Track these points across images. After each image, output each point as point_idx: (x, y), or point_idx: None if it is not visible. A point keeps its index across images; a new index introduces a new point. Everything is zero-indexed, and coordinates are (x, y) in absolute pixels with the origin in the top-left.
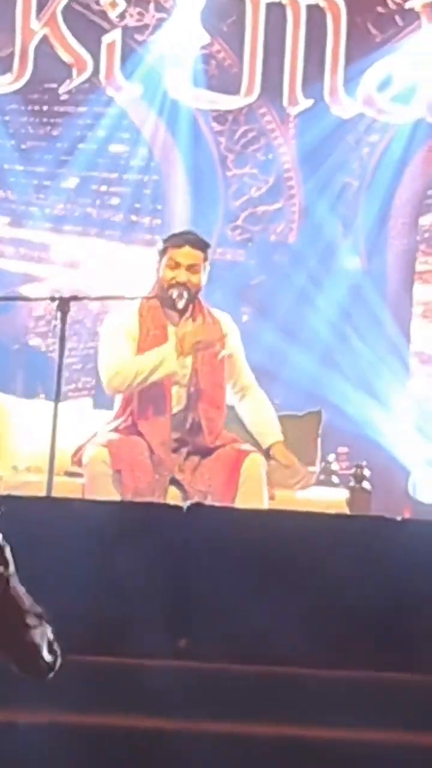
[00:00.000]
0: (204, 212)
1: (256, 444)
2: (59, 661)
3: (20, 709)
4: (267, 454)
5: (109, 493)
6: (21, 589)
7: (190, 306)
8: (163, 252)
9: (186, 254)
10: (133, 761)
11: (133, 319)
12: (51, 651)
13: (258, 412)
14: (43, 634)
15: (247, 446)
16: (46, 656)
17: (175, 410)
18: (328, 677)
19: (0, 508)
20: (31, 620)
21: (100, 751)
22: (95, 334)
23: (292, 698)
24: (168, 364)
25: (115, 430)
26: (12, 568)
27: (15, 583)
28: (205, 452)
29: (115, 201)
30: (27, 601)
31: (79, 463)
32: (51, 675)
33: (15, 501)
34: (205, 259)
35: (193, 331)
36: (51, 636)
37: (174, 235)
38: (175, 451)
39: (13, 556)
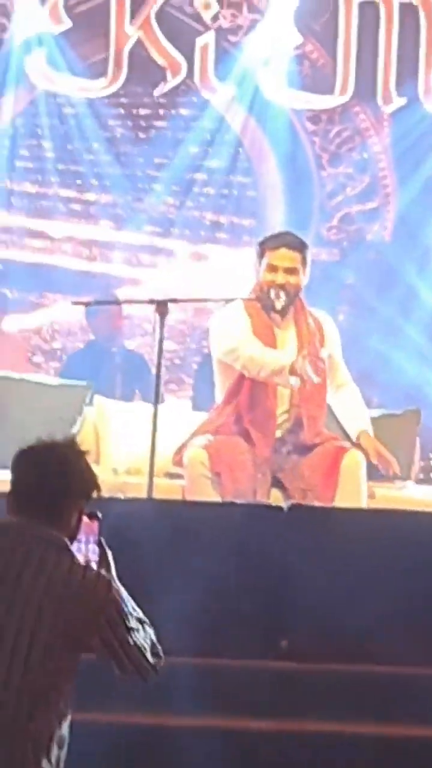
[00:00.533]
0: (299, 212)
1: (349, 439)
2: (162, 663)
3: (120, 711)
4: (357, 444)
5: (208, 494)
6: (123, 592)
7: (291, 308)
8: (260, 254)
9: (283, 256)
10: (241, 761)
11: (245, 317)
12: (154, 653)
13: (348, 404)
14: (146, 637)
15: (346, 443)
16: (150, 658)
17: (279, 409)
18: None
19: (99, 513)
20: (133, 623)
21: (208, 752)
22: (193, 336)
23: (396, 697)
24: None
25: (217, 429)
26: (114, 571)
27: (117, 585)
28: (305, 450)
29: (211, 202)
30: (129, 603)
31: (179, 463)
32: (154, 678)
33: (116, 503)
34: (304, 260)
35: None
36: (154, 638)
37: (271, 237)
38: (276, 450)
39: (115, 559)
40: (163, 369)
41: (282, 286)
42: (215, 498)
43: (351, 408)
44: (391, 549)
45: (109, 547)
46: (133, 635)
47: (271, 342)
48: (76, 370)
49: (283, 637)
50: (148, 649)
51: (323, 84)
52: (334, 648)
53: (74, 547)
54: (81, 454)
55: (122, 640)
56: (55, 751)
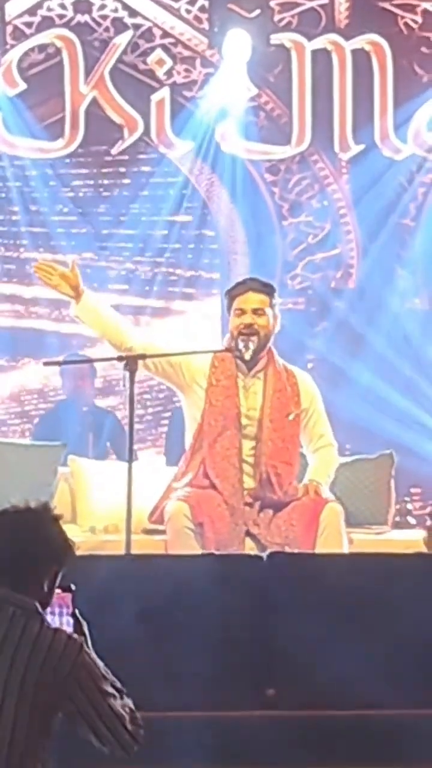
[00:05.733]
0: (262, 263)
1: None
2: (142, 733)
3: None
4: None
5: (191, 547)
6: (100, 664)
7: (261, 357)
8: (230, 304)
9: (248, 299)
10: None
11: (203, 371)
12: (133, 722)
13: (317, 468)
14: (124, 705)
15: (324, 495)
16: (129, 726)
17: (245, 462)
18: (418, 717)
19: (73, 586)
20: (107, 687)
21: None
22: (163, 391)
23: (383, 741)
24: None
25: (190, 483)
26: (89, 642)
27: (89, 650)
28: (279, 506)
29: (173, 257)
30: (104, 669)
31: (158, 521)
32: (135, 749)
33: (96, 561)
34: (273, 305)
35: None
36: (132, 706)
37: (237, 284)
38: (248, 504)
39: (97, 616)
40: (135, 425)
41: (250, 326)
42: (198, 550)
43: (317, 472)
44: (373, 592)
45: (91, 605)
46: (108, 701)
47: (232, 391)
48: (48, 431)
49: (269, 685)
50: (126, 717)
51: (280, 134)
52: (321, 694)
53: (48, 619)
54: (54, 519)
55: (96, 705)
56: None
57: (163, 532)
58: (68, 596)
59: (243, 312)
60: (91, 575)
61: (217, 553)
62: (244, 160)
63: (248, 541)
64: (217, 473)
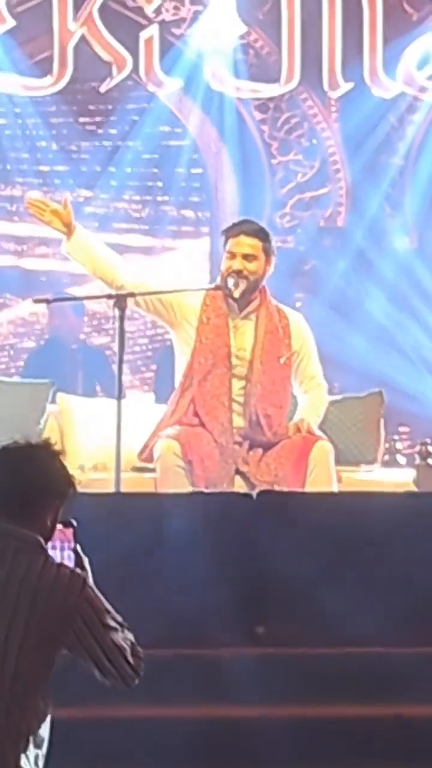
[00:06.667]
0: (252, 201)
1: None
2: (142, 665)
3: (104, 706)
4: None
5: (181, 485)
6: (102, 598)
7: (253, 299)
8: (224, 243)
9: (241, 243)
10: (217, 750)
11: (194, 309)
12: (134, 655)
13: (306, 409)
14: (125, 638)
15: (314, 434)
16: (130, 659)
17: (235, 401)
18: (406, 655)
19: (74, 521)
20: (110, 621)
21: (184, 743)
22: (152, 329)
23: (372, 678)
24: None
25: (179, 421)
26: (90, 577)
27: (92, 585)
28: (268, 445)
29: (163, 196)
30: (108, 608)
31: (147, 459)
32: (136, 681)
33: (85, 499)
34: (266, 248)
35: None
36: (133, 640)
37: (232, 225)
38: (238, 443)
39: (87, 553)
40: (124, 363)
41: (239, 273)
42: (187, 488)
43: (307, 412)
44: (363, 530)
45: (80, 543)
46: (111, 634)
47: (222, 330)
48: (36, 368)
49: (258, 623)
50: (128, 649)
51: (269, 72)
52: (310, 632)
53: (50, 554)
54: (55, 455)
55: (99, 638)
56: (33, 750)
57: (152, 470)
58: (70, 531)
59: (234, 256)
60: (80, 513)
61: (206, 491)
62: (233, 98)
63: (238, 479)
64: (206, 411)
